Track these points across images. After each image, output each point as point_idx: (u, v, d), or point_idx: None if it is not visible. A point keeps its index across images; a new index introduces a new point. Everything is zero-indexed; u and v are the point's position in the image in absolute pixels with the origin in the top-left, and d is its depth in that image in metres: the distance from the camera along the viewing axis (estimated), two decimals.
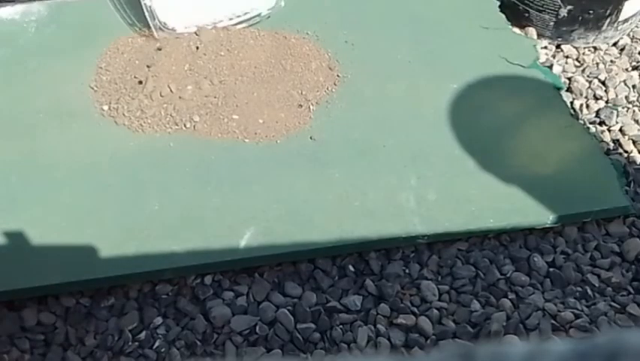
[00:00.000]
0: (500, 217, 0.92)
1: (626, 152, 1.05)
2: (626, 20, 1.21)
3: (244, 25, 1.12)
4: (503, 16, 1.22)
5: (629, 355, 0.23)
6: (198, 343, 0.82)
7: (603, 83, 1.15)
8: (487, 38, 1.18)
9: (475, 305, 0.87)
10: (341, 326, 0.84)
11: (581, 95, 1.13)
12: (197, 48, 1.06)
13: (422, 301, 0.87)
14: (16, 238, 0.86)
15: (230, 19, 1.11)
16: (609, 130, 1.09)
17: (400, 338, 0.84)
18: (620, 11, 1.18)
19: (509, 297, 0.88)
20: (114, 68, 1.06)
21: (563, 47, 1.22)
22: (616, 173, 0.99)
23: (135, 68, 1.05)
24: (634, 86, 1.16)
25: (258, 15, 1.13)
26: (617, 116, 1.10)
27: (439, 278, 0.90)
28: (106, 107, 1.01)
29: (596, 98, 1.13)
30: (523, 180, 0.96)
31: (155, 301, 0.85)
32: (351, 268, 0.89)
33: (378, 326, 0.84)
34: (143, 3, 1.07)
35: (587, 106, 1.12)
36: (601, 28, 1.21)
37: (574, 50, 1.22)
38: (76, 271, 0.84)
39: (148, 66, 1.04)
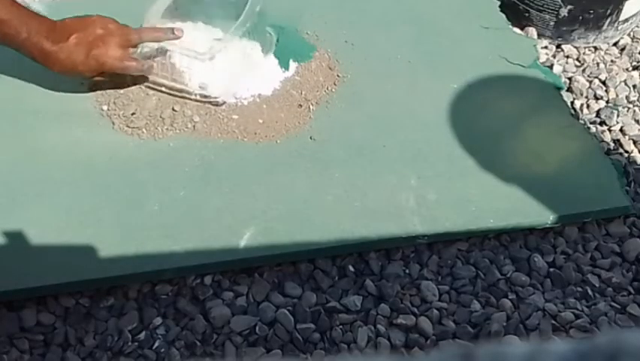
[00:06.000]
0: (500, 217, 0.92)
1: (626, 152, 1.05)
2: (626, 20, 1.21)
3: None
4: (503, 16, 1.22)
5: (629, 355, 0.23)
6: (198, 343, 0.82)
7: (604, 82, 1.15)
8: (487, 38, 1.18)
9: (475, 306, 0.87)
10: (341, 327, 0.84)
11: (582, 95, 1.13)
12: None
13: (422, 301, 0.87)
14: (15, 238, 0.86)
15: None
16: (610, 130, 1.08)
17: (400, 338, 0.84)
18: (620, 11, 1.18)
19: (509, 297, 0.88)
20: None
21: (563, 46, 1.22)
22: (616, 173, 0.99)
23: None
24: (634, 86, 1.15)
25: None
26: (618, 116, 1.10)
27: (439, 278, 0.90)
28: (105, 107, 1.01)
29: (597, 98, 1.13)
30: (523, 180, 0.96)
31: (155, 301, 0.85)
32: (351, 268, 0.89)
33: (378, 326, 0.84)
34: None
35: (588, 106, 1.12)
36: (601, 28, 1.21)
37: (574, 49, 1.22)
38: (75, 272, 0.84)
39: None
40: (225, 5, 1.05)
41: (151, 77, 1.01)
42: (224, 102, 1.01)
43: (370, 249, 0.90)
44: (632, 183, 1.01)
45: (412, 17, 1.20)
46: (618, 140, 1.07)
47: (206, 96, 1.00)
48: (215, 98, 1.00)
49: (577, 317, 0.86)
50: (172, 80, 1.00)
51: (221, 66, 0.99)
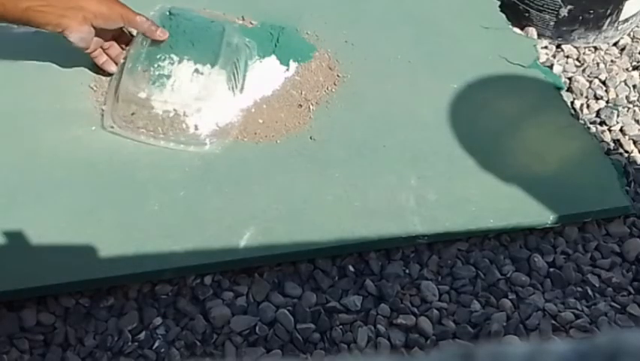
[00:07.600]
0: (500, 217, 0.92)
1: (626, 152, 1.05)
2: (626, 20, 1.21)
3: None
4: (503, 16, 1.22)
5: (629, 355, 0.23)
6: (198, 343, 0.82)
7: (604, 82, 1.15)
8: (487, 38, 1.17)
9: (475, 305, 0.87)
10: (341, 327, 0.84)
11: (582, 95, 1.13)
12: None
13: (422, 301, 0.87)
14: (16, 238, 0.86)
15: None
16: (609, 130, 1.08)
17: (400, 338, 0.84)
18: (620, 11, 1.18)
19: (509, 297, 0.88)
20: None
21: (563, 46, 1.22)
22: (616, 173, 0.99)
23: None
24: (634, 86, 1.15)
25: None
26: (618, 116, 1.10)
27: (439, 278, 0.90)
28: (105, 107, 1.00)
29: (597, 98, 1.13)
30: (523, 180, 0.96)
31: (155, 301, 0.85)
32: (351, 268, 0.89)
33: (378, 326, 0.84)
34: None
35: (588, 106, 1.12)
36: (601, 28, 1.21)
37: (574, 49, 1.22)
38: (75, 272, 0.84)
39: None
40: (205, 30, 1.01)
41: (134, 136, 0.98)
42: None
43: (370, 249, 0.90)
44: (632, 183, 1.01)
45: (412, 17, 1.20)
46: (618, 140, 1.07)
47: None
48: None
49: (577, 316, 0.86)
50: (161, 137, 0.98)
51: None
